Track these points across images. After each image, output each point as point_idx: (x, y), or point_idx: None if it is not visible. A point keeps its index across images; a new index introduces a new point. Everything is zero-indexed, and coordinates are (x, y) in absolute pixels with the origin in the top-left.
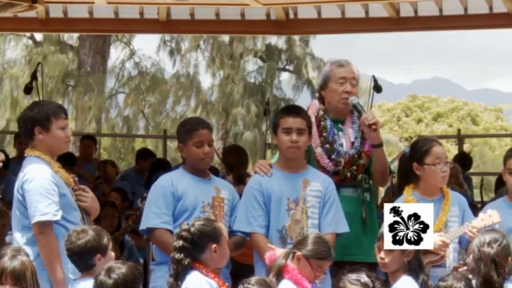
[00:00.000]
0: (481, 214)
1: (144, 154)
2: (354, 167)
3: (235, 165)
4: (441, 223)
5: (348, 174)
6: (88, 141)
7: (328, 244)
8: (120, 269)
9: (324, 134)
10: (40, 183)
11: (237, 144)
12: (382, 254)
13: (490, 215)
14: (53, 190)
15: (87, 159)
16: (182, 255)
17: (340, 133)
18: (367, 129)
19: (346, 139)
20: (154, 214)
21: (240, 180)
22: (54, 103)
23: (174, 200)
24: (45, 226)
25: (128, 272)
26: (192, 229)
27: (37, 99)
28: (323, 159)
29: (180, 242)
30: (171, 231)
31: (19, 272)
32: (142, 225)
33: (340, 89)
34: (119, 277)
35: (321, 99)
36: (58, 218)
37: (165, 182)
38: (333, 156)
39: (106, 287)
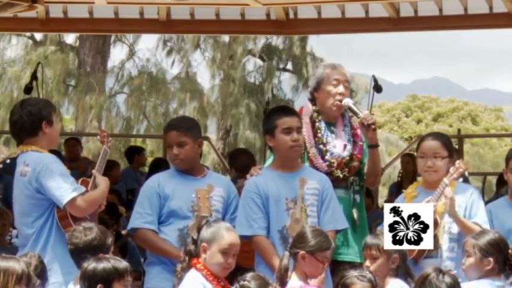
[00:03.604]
0: (451, 169)
1: (136, 151)
2: (346, 169)
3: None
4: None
5: (340, 175)
6: (73, 141)
7: (325, 233)
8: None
9: (319, 134)
10: (57, 167)
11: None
12: (367, 262)
13: (456, 167)
14: (67, 172)
15: (75, 159)
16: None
17: (333, 135)
18: (365, 129)
19: (339, 141)
20: (138, 214)
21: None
22: (45, 99)
23: (160, 200)
24: (78, 198)
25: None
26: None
27: None
28: (317, 160)
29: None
30: (154, 231)
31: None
32: (128, 226)
33: (334, 91)
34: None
35: (313, 101)
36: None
37: (151, 182)
38: (327, 157)
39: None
